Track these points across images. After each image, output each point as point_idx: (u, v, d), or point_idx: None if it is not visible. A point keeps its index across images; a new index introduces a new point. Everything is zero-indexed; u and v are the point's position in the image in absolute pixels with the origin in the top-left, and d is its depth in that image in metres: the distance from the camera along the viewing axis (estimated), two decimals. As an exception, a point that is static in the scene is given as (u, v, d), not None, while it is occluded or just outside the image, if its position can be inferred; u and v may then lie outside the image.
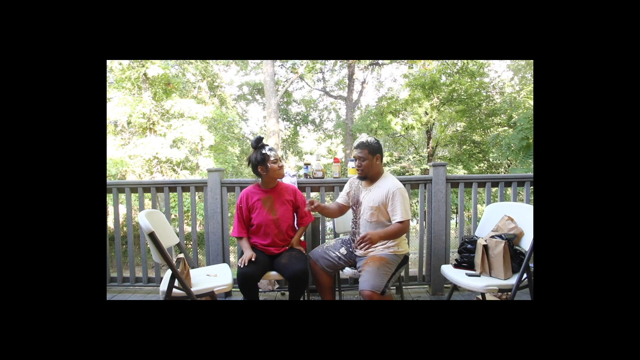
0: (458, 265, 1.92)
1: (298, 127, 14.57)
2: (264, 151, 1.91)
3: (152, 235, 1.54)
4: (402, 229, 1.77)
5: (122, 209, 5.60)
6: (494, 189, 2.53)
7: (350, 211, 2.04)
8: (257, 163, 1.92)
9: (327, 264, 1.91)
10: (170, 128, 8.42)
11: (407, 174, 12.26)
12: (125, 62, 7.97)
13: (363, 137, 1.95)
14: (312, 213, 2.10)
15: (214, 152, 9.75)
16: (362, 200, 1.93)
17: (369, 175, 1.92)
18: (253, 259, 1.86)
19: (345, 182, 2.10)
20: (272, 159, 1.90)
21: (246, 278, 1.78)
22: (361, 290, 1.66)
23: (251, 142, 1.96)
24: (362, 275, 1.72)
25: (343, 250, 1.95)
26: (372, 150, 1.87)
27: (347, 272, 1.94)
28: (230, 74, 15.11)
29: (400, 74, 14.05)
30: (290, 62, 11.91)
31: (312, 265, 1.94)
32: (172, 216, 5.95)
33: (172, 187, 2.55)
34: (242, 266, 1.84)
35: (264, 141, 1.97)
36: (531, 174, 2.72)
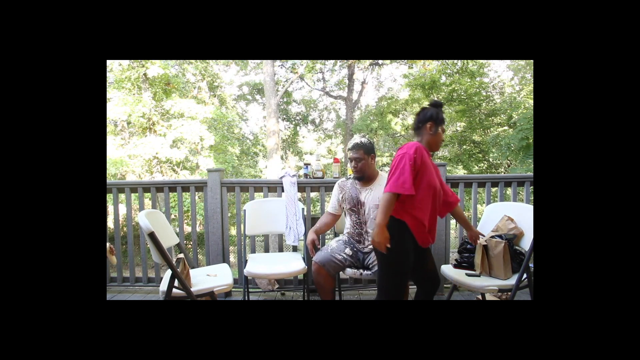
0: (458, 265, 1.92)
1: (298, 127, 14.56)
2: (443, 115, 1.60)
3: (152, 235, 1.54)
4: None
5: (122, 209, 5.60)
6: (494, 189, 2.53)
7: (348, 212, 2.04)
8: (429, 118, 1.59)
9: (334, 266, 1.90)
10: (170, 128, 8.42)
11: (407, 174, 12.22)
12: (125, 62, 7.97)
13: (356, 138, 1.96)
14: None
15: (214, 152, 9.74)
16: (365, 201, 1.94)
17: (366, 174, 1.95)
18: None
19: None
20: (444, 126, 1.61)
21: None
22: None
23: (433, 101, 1.65)
24: None
25: (348, 251, 1.95)
26: (367, 150, 1.92)
27: (348, 272, 1.94)
28: (230, 74, 15.05)
29: (400, 74, 14.03)
30: (290, 62, 11.90)
31: (317, 270, 1.89)
32: (172, 216, 5.95)
33: (172, 187, 2.55)
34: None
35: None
36: (531, 174, 2.73)
